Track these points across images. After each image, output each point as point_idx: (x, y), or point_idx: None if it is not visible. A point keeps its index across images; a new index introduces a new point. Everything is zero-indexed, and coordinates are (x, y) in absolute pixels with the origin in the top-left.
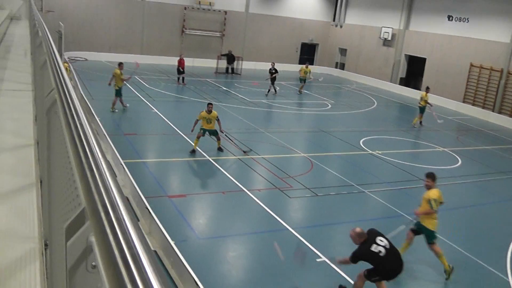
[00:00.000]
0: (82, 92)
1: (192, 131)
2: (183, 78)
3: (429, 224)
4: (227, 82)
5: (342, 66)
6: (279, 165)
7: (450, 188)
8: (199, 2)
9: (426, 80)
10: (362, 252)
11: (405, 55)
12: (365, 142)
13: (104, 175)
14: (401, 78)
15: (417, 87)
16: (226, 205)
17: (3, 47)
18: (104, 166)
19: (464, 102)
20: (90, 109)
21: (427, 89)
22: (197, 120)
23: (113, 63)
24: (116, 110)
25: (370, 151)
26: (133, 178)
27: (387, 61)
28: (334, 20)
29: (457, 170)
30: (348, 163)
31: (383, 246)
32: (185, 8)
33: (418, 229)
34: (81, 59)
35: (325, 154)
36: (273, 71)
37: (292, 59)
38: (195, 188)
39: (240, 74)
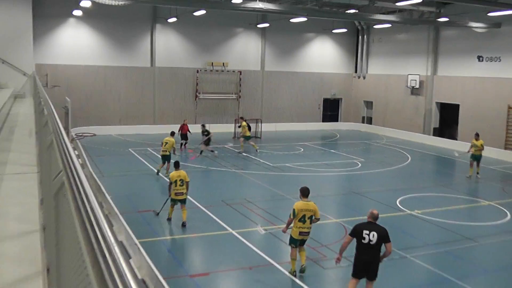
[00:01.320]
0: (91, 170)
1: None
2: (185, 143)
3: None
4: (247, 147)
5: (369, 120)
6: (311, 234)
7: (500, 245)
8: (212, 64)
9: (462, 128)
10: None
11: (436, 103)
12: (403, 201)
13: (118, 261)
14: (434, 128)
15: (452, 136)
16: (254, 282)
17: (6, 128)
18: (117, 250)
19: (506, 148)
20: (100, 187)
21: (477, 136)
22: (171, 184)
23: (124, 135)
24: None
25: (409, 211)
26: (150, 258)
27: (417, 110)
28: (356, 71)
29: (506, 225)
30: (385, 226)
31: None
32: (198, 71)
33: None
34: (90, 134)
35: (359, 218)
36: (206, 133)
37: (314, 116)
38: (219, 265)
39: (260, 138)
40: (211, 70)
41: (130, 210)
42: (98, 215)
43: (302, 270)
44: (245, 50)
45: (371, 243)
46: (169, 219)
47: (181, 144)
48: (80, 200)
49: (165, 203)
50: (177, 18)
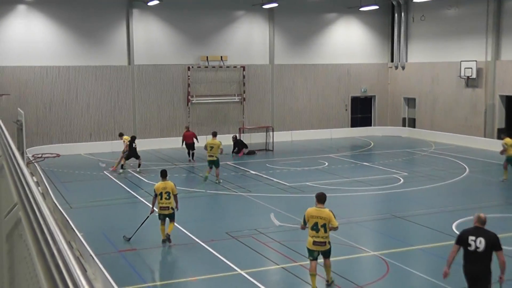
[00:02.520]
0: (55, 200)
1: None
2: (192, 154)
3: None
4: (256, 163)
5: (412, 123)
6: (342, 271)
7: None
8: (207, 58)
9: None
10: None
11: (500, 96)
12: (460, 225)
13: None
14: (498, 130)
15: None
16: None
17: None
18: None
19: None
20: (68, 223)
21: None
22: (155, 196)
23: (96, 154)
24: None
25: None
26: None
27: (475, 107)
28: (392, 61)
29: None
30: (439, 259)
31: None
32: (189, 69)
33: None
34: (52, 155)
35: (404, 249)
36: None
37: (341, 121)
38: None
39: (272, 150)
40: (206, 67)
41: (108, 250)
42: (67, 258)
43: (329, 285)
44: (249, 39)
45: (478, 250)
46: (164, 241)
47: (188, 153)
48: (42, 240)
49: (142, 223)
50: (159, 0)
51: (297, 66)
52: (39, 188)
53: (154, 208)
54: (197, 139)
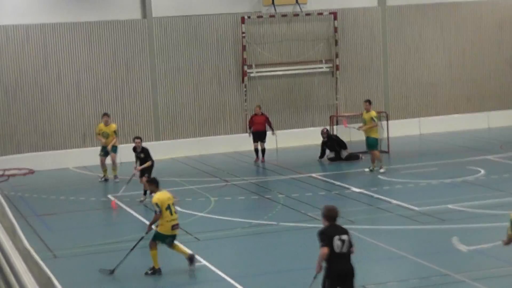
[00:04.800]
0: (27, 246)
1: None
2: (263, 151)
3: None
4: (360, 174)
5: None
6: None
7: None
8: (273, 1)
9: None
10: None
11: None
12: None
13: None
14: None
15: None
16: None
17: None
18: None
19: None
20: (51, 282)
21: None
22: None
23: (92, 168)
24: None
25: None
26: None
27: None
28: None
29: None
30: None
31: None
32: (243, 20)
33: None
34: (20, 172)
35: None
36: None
37: (506, 98)
38: None
39: (387, 152)
40: (273, 16)
41: None
42: None
43: None
44: None
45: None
46: (156, 271)
47: (256, 151)
48: None
49: (133, 248)
50: None
51: (426, 7)
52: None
53: (154, 227)
54: (272, 127)
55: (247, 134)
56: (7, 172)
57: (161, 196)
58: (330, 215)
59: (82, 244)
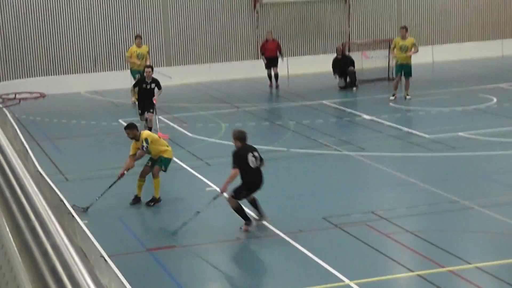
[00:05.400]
0: (40, 169)
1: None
2: (276, 75)
3: None
4: (371, 102)
5: None
6: None
7: None
8: None
9: None
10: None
11: None
12: None
13: None
14: None
15: None
16: None
17: None
18: None
19: None
20: (63, 203)
21: None
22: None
23: (104, 93)
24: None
25: None
26: None
27: None
28: None
29: None
30: None
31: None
32: None
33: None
34: (32, 95)
35: None
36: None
37: None
38: None
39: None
40: None
41: (130, 248)
42: (68, 258)
43: None
44: None
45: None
46: (137, 200)
47: (269, 76)
48: (28, 230)
49: (110, 187)
50: None
51: None
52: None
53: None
54: (281, 54)
55: (259, 61)
56: (18, 96)
57: (147, 132)
58: (242, 136)
59: (93, 168)
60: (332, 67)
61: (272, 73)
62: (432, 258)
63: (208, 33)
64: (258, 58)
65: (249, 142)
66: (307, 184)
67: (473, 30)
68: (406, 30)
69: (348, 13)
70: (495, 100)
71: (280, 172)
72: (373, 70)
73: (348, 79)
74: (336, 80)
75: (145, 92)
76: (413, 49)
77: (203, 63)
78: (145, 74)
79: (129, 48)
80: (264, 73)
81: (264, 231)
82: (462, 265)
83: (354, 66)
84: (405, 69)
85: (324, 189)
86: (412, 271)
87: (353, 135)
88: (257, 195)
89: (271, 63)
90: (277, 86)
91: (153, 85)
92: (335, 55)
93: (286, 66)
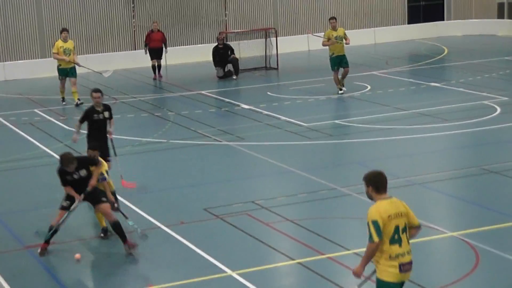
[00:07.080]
0: None
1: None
2: (159, 66)
3: None
4: (250, 91)
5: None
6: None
7: None
8: None
9: None
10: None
11: None
12: None
13: None
14: None
15: None
16: None
17: None
18: None
19: None
20: None
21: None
22: None
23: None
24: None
25: None
26: None
27: None
28: None
29: None
30: None
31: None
32: None
33: None
34: None
35: (504, 225)
36: None
37: (391, 13)
38: None
39: (276, 68)
40: None
41: (8, 246)
42: None
43: None
44: None
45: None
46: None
47: (154, 68)
48: None
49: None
50: None
51: None
52: None
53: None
54: (166, 45)
55: (136, 51)
56: None
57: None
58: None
59: None
60: (213, 56)
61: (156, 64)
62: (312, 245)
63: (84, 23)
64: (135, 49)
65: (128, 133)
66: (187, 176)
67: (346, 18)
68: (336, 20)
69: (224, 2)
70: (369, 87)
71: (160, 164)
72: (251, 59)
73: (227, 68)
74: (215, 71)
75: (97, 125)
76: (348, 39)
77: (79, 54)
78: (93, 101)
79: (54, 43)
80: (143, 63)
81: (145, 222)
82: (341, 251)
83: (234, 54)
84: (343, 60)
85: (204, 180)
86: (293, 259)
87: (232, 125)
88: (138, 186)
89: (155, 54)
90: (160, 77)
91: (106, 114)
92: (213, 44)
93: (164, 57)
